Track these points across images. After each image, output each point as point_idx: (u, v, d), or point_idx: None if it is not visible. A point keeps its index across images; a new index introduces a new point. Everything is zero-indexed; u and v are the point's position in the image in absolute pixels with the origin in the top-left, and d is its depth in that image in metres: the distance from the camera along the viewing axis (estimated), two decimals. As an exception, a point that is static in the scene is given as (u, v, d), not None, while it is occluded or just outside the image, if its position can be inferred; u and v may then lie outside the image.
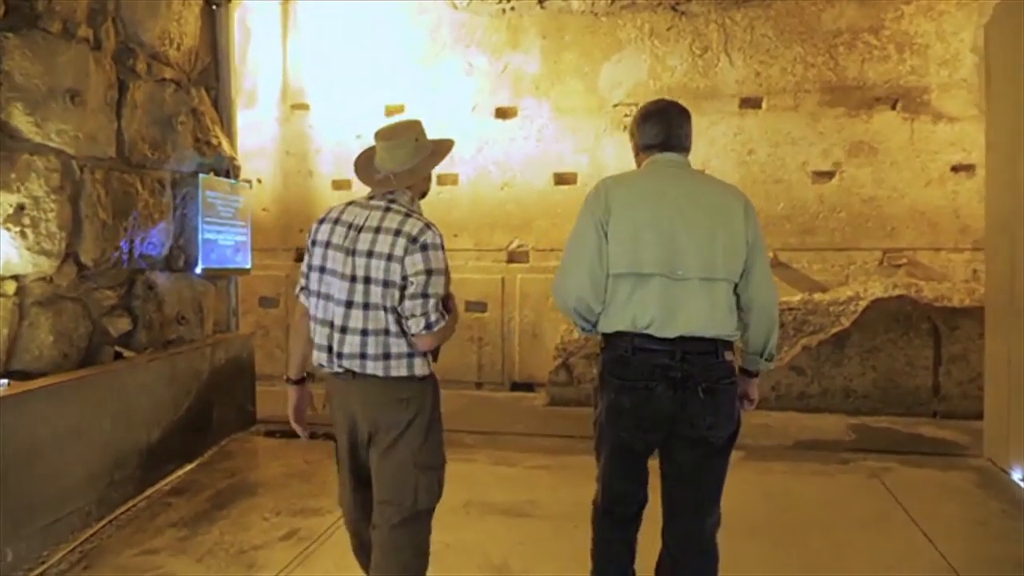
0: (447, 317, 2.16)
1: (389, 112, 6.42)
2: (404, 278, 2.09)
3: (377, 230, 2.12)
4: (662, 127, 2.21)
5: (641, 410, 2.07)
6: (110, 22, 3.99)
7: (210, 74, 5.03)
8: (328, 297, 2.17)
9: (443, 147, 2.37)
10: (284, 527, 3.38)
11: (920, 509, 3.51)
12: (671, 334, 2.03)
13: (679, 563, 2.21)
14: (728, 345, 2.12)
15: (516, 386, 6.31)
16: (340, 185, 6.55)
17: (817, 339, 5.47)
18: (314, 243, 2.24)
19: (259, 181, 6.69)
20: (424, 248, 2.10)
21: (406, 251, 2.08)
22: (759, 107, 5.89)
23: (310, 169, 6.61)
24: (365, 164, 2.34)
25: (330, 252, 2.18)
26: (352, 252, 2.13)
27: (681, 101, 5.70)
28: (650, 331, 2.03)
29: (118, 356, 4.00)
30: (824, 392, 5.46)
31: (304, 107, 6.61)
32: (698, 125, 6.02)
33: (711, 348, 2.06)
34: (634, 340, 2.05)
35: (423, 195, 2.37)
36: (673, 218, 2.07)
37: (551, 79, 6.15)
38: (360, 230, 2.15)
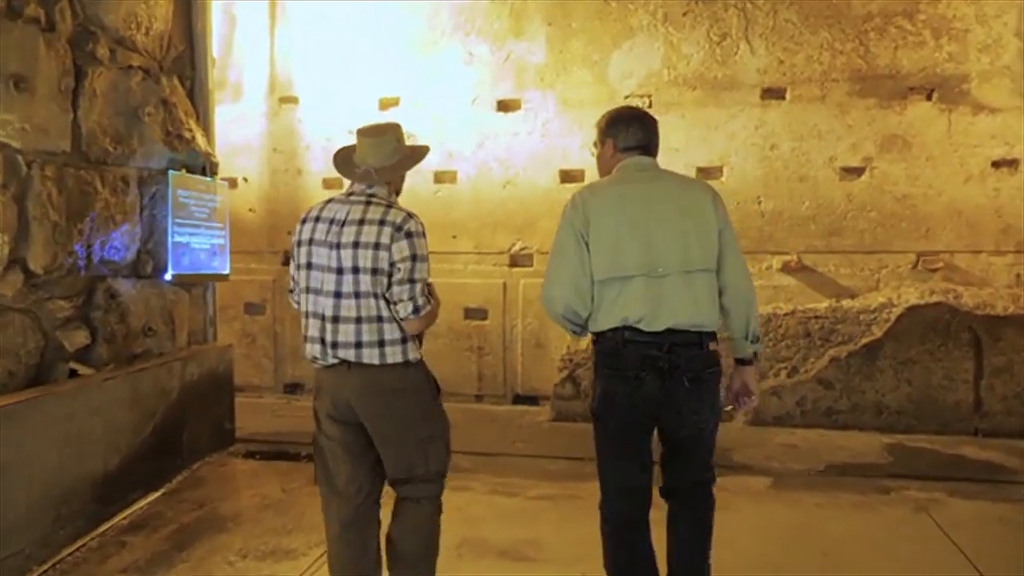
0: (432, 302, 2.30)
1: (383, 106, 6.00)
2: (391, 264, 2.21)
3: (361, 222, 2.22)
4: (644, 132, 2.39)
5: (632, 397, 2.20)
6: (66, 1, 3.58)
7: (184, 62, 4.62)
8: (317, 291, 2.27)
9: (419, 151, 2.48)
10: (250, 574, 2.95)
11: (981, 553, 3.05)
12: (659, 327, 2.16)
13: (673, 503, 2.37)
14: (712, 336, 2.25)
15: (519, 399, 5.88)
16: (331, 184, 6.12)
17: (846, 350, 5.01)
18: (299, 243, 2.34)
19: (245, 180, 6.29)
20: (408, 235, 2.22)
21: (392, 239, 2.20)
22: (782, 98, 5.44)
23: (299, 167, 6.19)
24: (345, 160, 2.45)
25: (314, 248, 2.28)
26: (337, 246, 2.23)
27: (698, 92, 5.28)
28: (640, 325, 2.17)
29: (74, 374, 3.58)
30: (854, 408, 5.01)
31: (293, 100, 6.19)
32: (716, 118, 5.62)
33: (696, 340, 2.20)
34: (624, 333, 2.18)
35: (397, 193, 2.45)
36: (648, 219, 2.21)
37: (557, 69, 5.71)
38: (343, 224, 2.24)
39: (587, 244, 2.22)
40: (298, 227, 2.35)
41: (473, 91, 5.84)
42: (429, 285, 2.33)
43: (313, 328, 2.27)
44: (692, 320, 2.19)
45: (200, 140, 4.48)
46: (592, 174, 5.60)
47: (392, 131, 2.40)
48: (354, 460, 2.33)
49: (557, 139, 5.72)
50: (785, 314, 5.14)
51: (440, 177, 5.92)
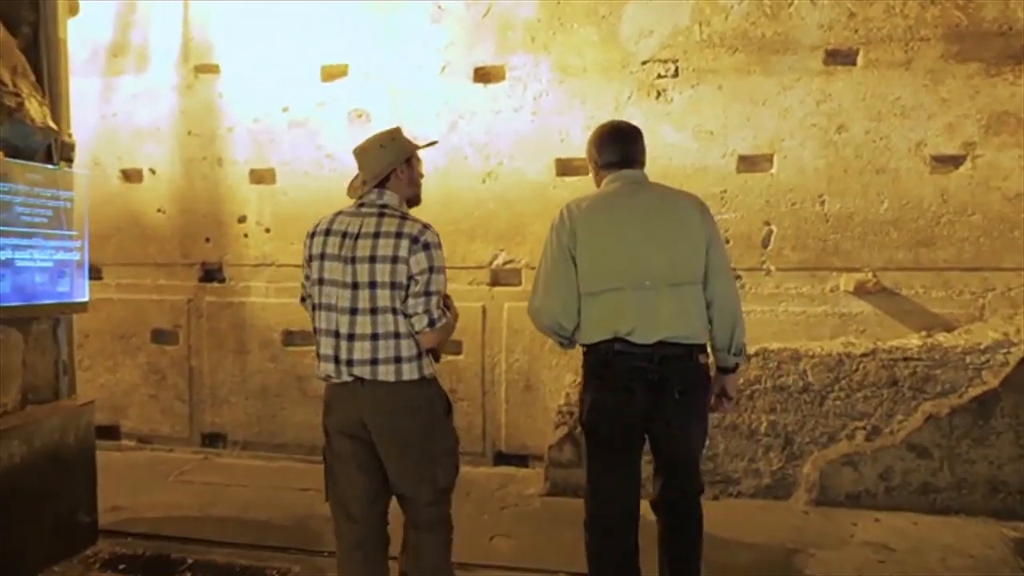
0: (448, 314, 2.28)
1: (327, 76, 4.63)
2: (409, 278, 2.17)
3: (376, 235, 2.19)
4: (619, 145, 2.43)
5: (622, 408, 2.26)
6: None
7: (20, 1, 3.22)
8: (330, 308, 2.23)
9: (402, 146, 2.34)
10: None
11: None
12: (651, 340, 2.21)
13: (665, 517, 2.42)
14: (702, 349, 2.33)
15: (502, 458, 4.52)
16: (261, 177, 4.76)
17: (948, 404, 3.67)
18: (311, 258, 2.29)
19: (152, 172, 4.90)
20: (426, 247, 2.18)
21: (410, 251, 2.16)
22: (853, 63, 4.08)
23: (219, 155, 4.80)
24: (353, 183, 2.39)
25: (326, 263, 2.23)
26: (352, 260, 2.19)
27: (741, 55, 3.60)
28: (631, 338, 2.21)
29: None
30: (959, 484, 3.66)
31: (212, 70, 4.80)
32: (765, 89, 4.18)
33: (686, 352, 2.26)
34: (615, 345, 2.23)
35: (410, 202, 2.36)
36: (634, 232, 2.26)
37: (552, 26, 4.34)
38: (356, 237, 2.20)
39: (574, 258, 2.27)
40: (307, 240, 2.31)
41: (443, 56, 4.47)
42: (447, 297, 2.32)
43: (326, 346, 2.24)
44: (681, 332, 2.23)
45: (35, 110, 3.08)
46: (599, 164, 4.24)
47: (377, 138, 2.33)
48: (365, 476, 2.28)
49: (553, 118, 4.35)
50: (862, 354, 3.78)
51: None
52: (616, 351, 2.22)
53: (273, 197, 4.72)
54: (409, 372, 2.19)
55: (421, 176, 2.41)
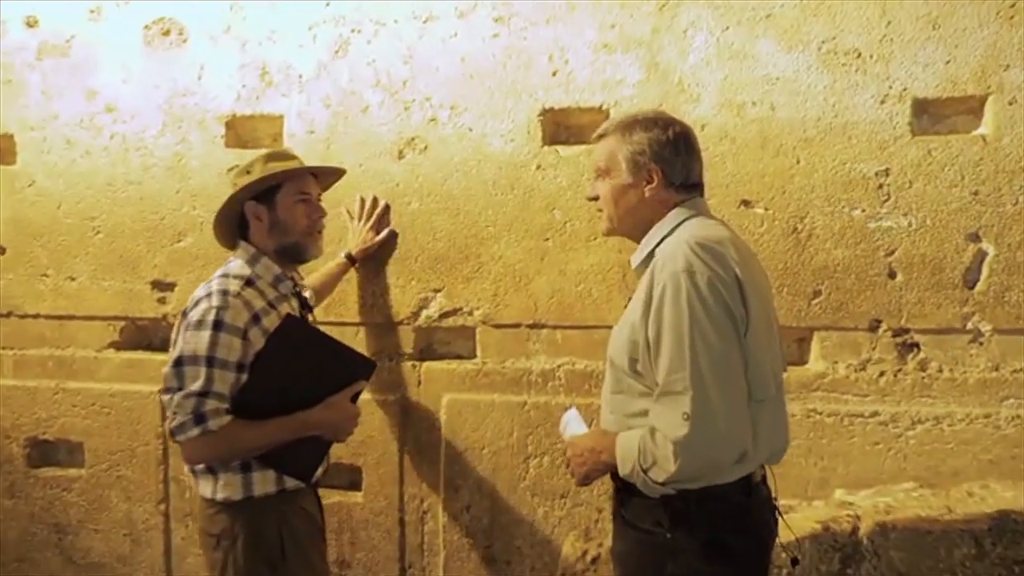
0: (210, 421, 1.53)
1: (109, -41, 2.47)
2: None
3: (184, 314, 1.69)
4: (700, 161, 1.49)
5: (766, 559, 1.49)
6: None
7: None
8: None
9: (265, 171, 1.72)
10: None
11: None
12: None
13: None
14: None
15: None
16: (-8, 151, 2.58)
17: None
18: None
19: None
20: (187, 327, 1.60)
21: (178, 332, 1.64)
22: None
23: (-85, 110, 2.61)
24: None
25: None
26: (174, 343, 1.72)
27: None
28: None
29: None
30: None
31: (-95, -47, 2.61)
32: None
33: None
34: (749, 478, 1.43)
35: (295, 256, 1.73)
36: (770, 310, 1.48)
37: None
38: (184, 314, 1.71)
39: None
40: None
41: (323, -84, 2.33)
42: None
43: None
44: None
45: None
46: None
47: (240, 167, 1.75)
48: None
49: (536, 30, 2.21)
50: None
51: (241, 131, 2.40)
52: (753, 485, 1.41)
53: (11, 189, 2.54)
54: (204, 488, 1.63)
55: (322, 215, 1.74)
